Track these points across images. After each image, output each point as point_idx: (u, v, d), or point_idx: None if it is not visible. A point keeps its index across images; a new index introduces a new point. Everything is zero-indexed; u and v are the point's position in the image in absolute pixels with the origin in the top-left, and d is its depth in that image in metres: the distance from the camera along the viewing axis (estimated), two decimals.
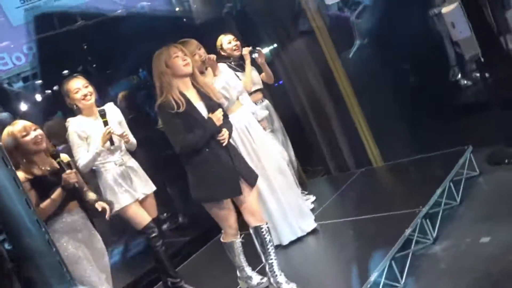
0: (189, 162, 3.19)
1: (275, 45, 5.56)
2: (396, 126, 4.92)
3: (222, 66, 3.95)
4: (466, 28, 4.46)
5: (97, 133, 3.61)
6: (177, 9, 5.40)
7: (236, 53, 4.53)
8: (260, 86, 4.66)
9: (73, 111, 3.75)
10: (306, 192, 4.80)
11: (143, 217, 3.76)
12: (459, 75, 5.18)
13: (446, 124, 4.62)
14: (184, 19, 5.38)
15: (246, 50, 4.35)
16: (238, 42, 4.57)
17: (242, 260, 3.49)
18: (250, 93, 4.37)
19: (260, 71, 4.67)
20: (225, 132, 3.20)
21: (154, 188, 3.91)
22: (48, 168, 3.09)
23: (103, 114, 3.64)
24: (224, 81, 3.83)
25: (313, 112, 5.44)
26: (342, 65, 5.06)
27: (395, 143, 4.94)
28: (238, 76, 4.19)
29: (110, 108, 3.83)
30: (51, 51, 4.84)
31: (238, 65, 4.49)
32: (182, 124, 3.09)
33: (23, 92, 4.92)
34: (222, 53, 4.55)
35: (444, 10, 4.49)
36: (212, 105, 3.23)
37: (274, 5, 5.30)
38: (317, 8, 5.07)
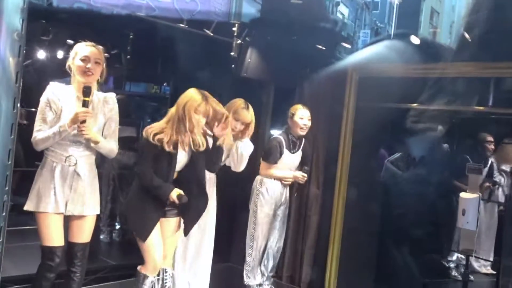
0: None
1: None
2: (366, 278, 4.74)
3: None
4: (474, 222, 4.34)
5: (72, 113, 2.97)
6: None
7: (301, 133, 4.28)
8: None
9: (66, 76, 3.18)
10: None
11: (52, 236, 3.03)
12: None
13: None
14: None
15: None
16: (310, 123, 4.27)
17: None
18: None
19: None
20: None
21: (94, 212, 3.15)
22: None
23: (86, 92, 2.98)
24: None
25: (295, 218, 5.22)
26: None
27: None
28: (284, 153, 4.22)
29: (105, 96, 3.20)
30: None
31: (294, 144, 4.30)
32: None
33: None
34: (289, 123, 4.28)
35: (463, 195, 4.39)
36: None
37: None
38: None
